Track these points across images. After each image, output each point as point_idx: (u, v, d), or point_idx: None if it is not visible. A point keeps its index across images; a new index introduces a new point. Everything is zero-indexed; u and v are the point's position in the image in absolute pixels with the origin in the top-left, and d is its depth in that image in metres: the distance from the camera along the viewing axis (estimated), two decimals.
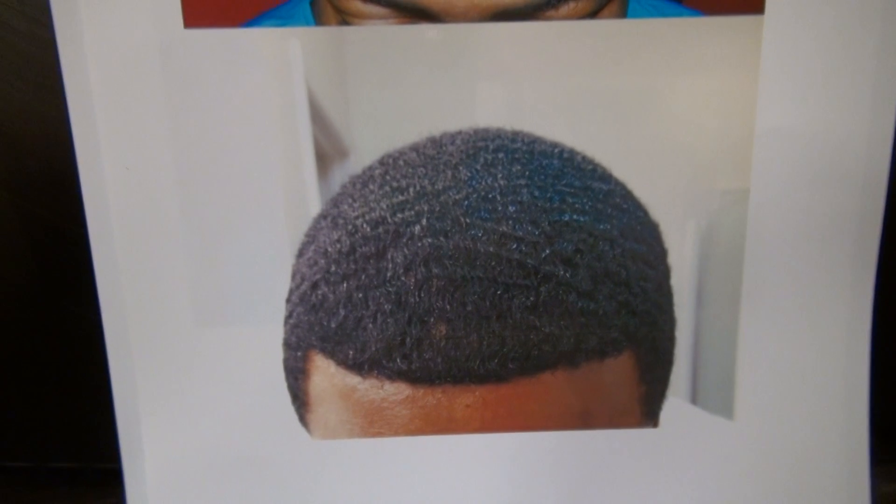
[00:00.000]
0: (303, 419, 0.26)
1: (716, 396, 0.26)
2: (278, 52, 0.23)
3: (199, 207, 0.24)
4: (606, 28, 0.23)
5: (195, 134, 0.23)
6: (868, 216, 0.25)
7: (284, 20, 0.23)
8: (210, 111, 0.23)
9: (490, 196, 0.25)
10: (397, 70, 0.23)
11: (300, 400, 0.26)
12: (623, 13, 0.23)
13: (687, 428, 0.26)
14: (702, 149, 0.24)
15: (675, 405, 0.26)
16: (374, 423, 0.26)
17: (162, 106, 0.23)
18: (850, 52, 0.23)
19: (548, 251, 0.25)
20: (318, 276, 0.25)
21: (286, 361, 0.26)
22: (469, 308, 0.25)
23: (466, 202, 0.25)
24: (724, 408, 0.26)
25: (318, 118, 0.24)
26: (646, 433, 0.26)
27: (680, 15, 0.23)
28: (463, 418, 0.26)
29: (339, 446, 0.26)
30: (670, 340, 0.26)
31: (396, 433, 0.26)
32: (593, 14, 0.23)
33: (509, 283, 0.25)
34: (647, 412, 0.27)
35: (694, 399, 0.26)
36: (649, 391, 0.27)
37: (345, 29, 0.23)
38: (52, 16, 0.22)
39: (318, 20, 0.23)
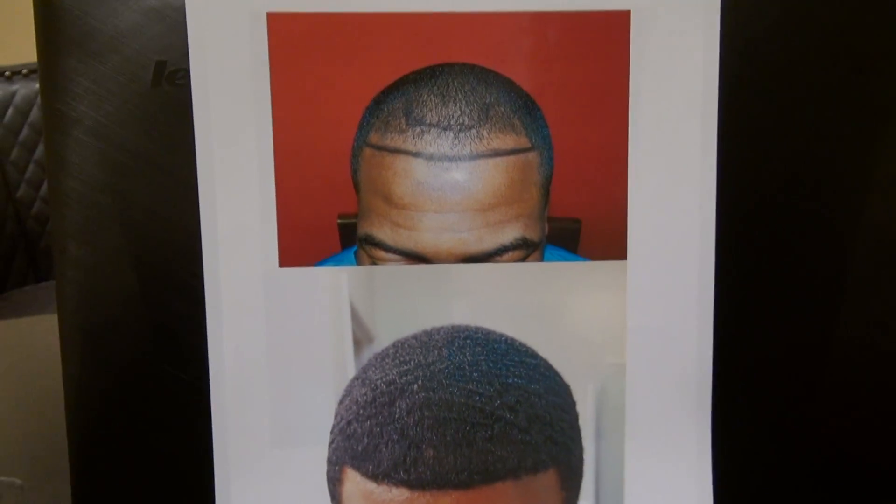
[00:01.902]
0: None
1: (611, 500, 0.37)
2: (334, 281, 0.36)
3: (279, 373, 0.37)
4: (531, 267, 0.36)
5: (282, 329, 0.37)
6: (701, 379, 0.37)
7: (338, 262, 0.36)
8: (291, 315, 0.37)
9: (461, 366, 0.35)
10: (405, 291, 0.37)
11: (336, 499, 0.37)
12: (541, 259, 0.37)
13: None
14: (595, 338, 0.37)
15: None
16: None
17: (263, 310, 0.37)
18: (679, 282, 0.37)
19: (498, 402, 0.35)
20: (351, 416, 0.36)
21: (328, 472, 0.36)
22: (448, 438, 0.35)
23: (447, 370, 0.35)
24: None
25: (356, 318, 0.37)
26: None
27: (575, 259, 0.37)
28: None
29: None
30: (580, 461, 0.37)
31: None
32: (523, 259, 0.37)
33: (474, 422, 0.35)
34: None
35: (597, 501, 0.37)
36: (567, 496, 0.37)
37: (373, 268, 0.36)
38: (203, 266, 0.37)
39: (359, 262, 0.36)
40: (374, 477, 0.36)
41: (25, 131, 1.20)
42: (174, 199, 0.35)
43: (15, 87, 1.20)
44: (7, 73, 1.20)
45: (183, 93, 0.34)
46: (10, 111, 1.20)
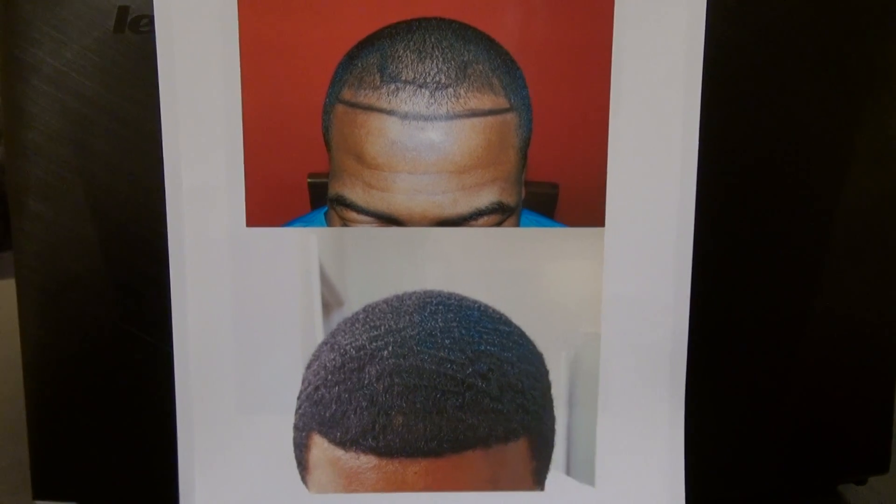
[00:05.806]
0: (304, 479, 0.36)
1: (582, 469, 0.37)
2: (303, 242, 0.35)
3: (244, 337, 0.36)
4: (506, 233, 0.35)
5: (248, 291, 0.36)
6: (676, 350, 0.36)
7: (308, 223, 0.35)
8: (258, 277, 0.36)
9: (433, 333, 0.35)
10: (377, 254, 0.36)
11: (302, 465, 0.36)
12: (517, 224, 0.36)
13: (563, 491, 0.37)
14: (570, 306, 0.37)
15: (555, 475, 0.37)
16: (352, 482, 0.36)
17: (229, 271, 0.35)
18: (656, 251, 0.36)
19: (470, 369, 0.35)
20: (319, 382, 0.36)
21: (295, 439, 0.36)
22: (418, 406, 0.35)
23: (418, 336, 0.35)
24: (588, 477, 0.37)
25: (325, 281, 0.36)
26: (535, 495, 0.36)
27: (551, 225, 0.36)
28: (412, 481, 0.35)
29: (328, 499, 0.36)
30: (552, 431, 0.36)
31: (367, 490, 0.36)
32: (499, 224, 0.36)
33: (445, 390, 0.35)
34: (536, 480, 0.37)
35: (568, 471, 0.37)
36: (538, 465, 0.37)
37: (344, 229, 0.35)
38: (167, 223, 0.35)
39: (329, 223, 0.35)
40: (342, 444, 0.36)
41: None
42: (137, 152, 0.34)
43: None
44: None
45: (147, 41, 0.33)
46: None
